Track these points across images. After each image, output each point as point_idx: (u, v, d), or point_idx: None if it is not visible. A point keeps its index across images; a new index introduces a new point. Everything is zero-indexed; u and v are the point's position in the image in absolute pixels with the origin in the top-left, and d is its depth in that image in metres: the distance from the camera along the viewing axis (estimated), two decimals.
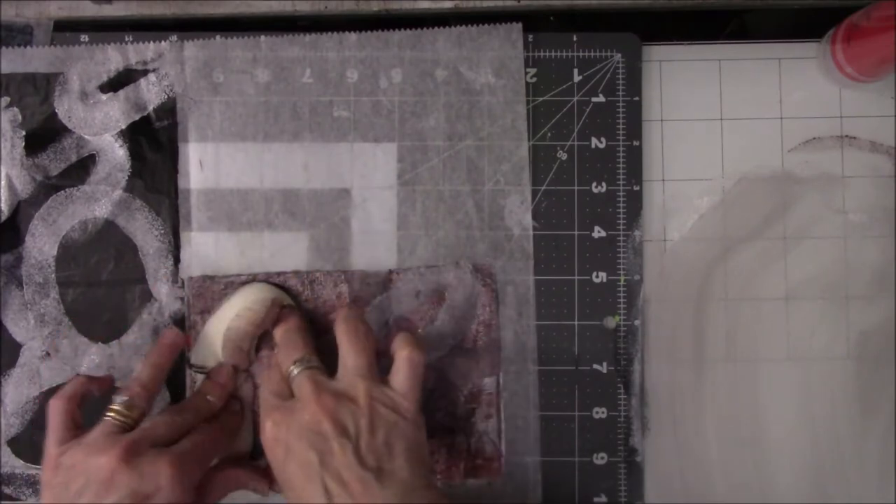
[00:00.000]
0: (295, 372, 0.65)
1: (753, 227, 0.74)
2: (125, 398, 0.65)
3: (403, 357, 0.65)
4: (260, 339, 0.72)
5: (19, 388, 0.72)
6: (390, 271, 0.72)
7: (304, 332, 0.69)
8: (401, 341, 0.66)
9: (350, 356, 0.65)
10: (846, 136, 0.74)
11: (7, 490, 0.72)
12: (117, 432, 0.63)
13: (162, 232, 0.72)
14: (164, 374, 0.68)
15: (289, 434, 0.61)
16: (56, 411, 0.64)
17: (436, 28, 0.73)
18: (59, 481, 0.61)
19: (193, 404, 0.68)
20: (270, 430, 0.63)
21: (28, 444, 0.72)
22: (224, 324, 0.69)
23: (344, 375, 0.64)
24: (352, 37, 0.73)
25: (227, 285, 0.71)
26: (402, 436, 0.62)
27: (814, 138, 0.74)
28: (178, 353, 0.70)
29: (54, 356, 0.72)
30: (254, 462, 0.72)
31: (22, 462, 0.72)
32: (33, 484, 0.72)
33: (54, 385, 0.72)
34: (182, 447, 0.63)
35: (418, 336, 0.71)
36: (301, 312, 0.71)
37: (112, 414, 0.64)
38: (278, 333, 0.70)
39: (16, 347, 0.73)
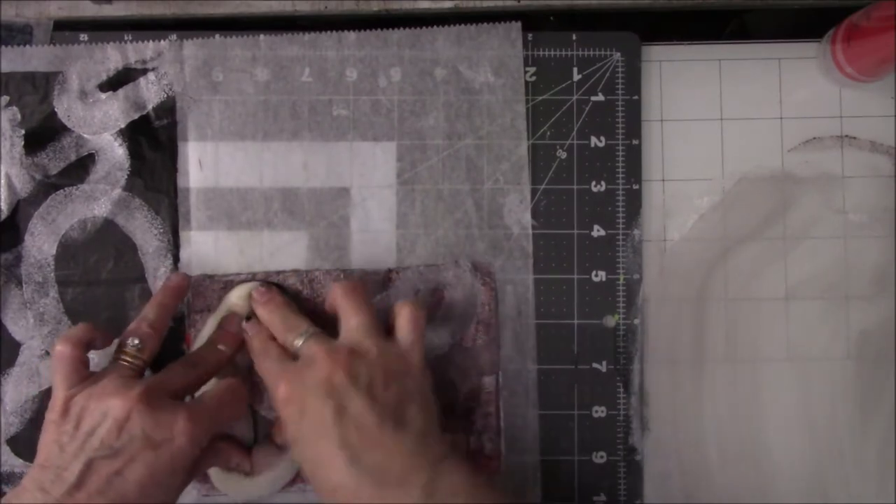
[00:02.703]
0: (300, 342, 0.65)
1: (753, 227, 0.74)
2: (136, 341, 0.65)
3: (405, 314, 0.65)
4: None
5: (18, 387, 0.72)
6: (389, 270, 0.72)
7: (293, 307, 0.69)
8: (400, 303, 0.66)
9: (353, 317, 0.65)
10: (846, 136, 0.74)
11: (6, 489, 0.72)
12: (132, 376, 0.63)
13: (161, 231, 0.72)
14: (169, 315, 0.68)
15: (304, 391, 0.61)
16: (63, 356, 0.63)
17: (435, 27, 0.73)
18: (69, 421, 0.61)
19: (207, 356, 0.68)
20: (284, 390, 0.62)
21: (28, 442, 0.72)
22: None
23: (350, 335, 0.64)
24: (351, 36, 0.73)
25: (227, 284, 0.71)
26: (413, 387, 0.63)
27: (814, 138, 0.74)
28: (183, 297, 0.70)
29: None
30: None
31: (21, 461, 0.72)
32: None
33: None
34: (200, 402, 0.64)
35: (416, 298, 0.71)
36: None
37: (125, 357, 0.64)
38: (264, 313, 0.69)
39: (15, 346, 0.73)
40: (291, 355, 0.66)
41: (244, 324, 0.69)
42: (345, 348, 0.63)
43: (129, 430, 0.59)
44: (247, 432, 0.71)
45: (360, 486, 0.59)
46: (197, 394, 0.67)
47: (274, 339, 0.67)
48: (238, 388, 0.67)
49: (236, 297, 0.70)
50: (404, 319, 0.65)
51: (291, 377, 0.63)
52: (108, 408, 0.60)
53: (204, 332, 0.70)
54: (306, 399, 0.61)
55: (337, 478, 0.59)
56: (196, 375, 0.66)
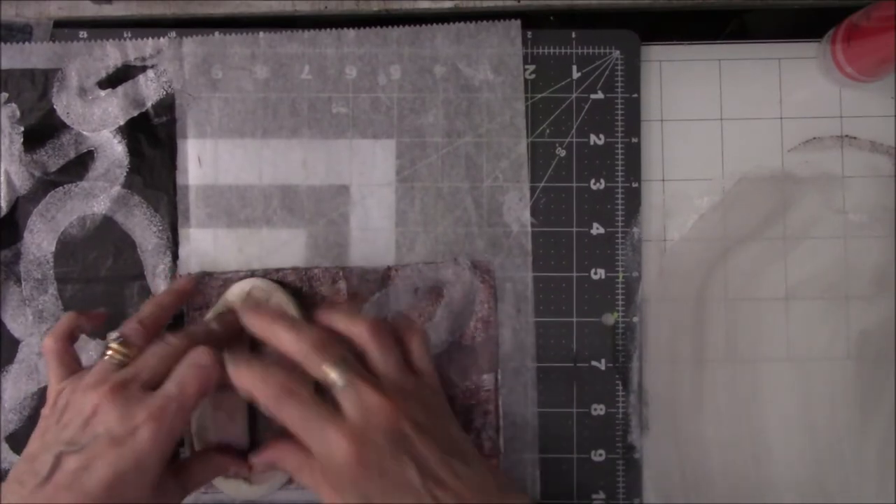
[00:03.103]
0: (340, 382, 0.59)
1: (753, 227, 0.74)
2: (116, 335, 0.62)
3: (418, 341, 0.64)
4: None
5: (18, 385, 0.72)
6: (389, 268, 0.72)
7: (329, 331, 0.63)
8: (407, 329, 0.65)
9: (387, 355, 0.62)
10: (846, 136, 0.74)
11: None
12: (114, 370, 0.60)
13: (160, 228, 0.72)
14: (166, 315, 0.67)
15: (378, 451, 0.57)
16: (49, 350, 0.63)
17: (434, 25, 0.73)
18: (54, 414, 0.60)
19: (189, 331, 0.64)
20: (353, 452, 0.57)
21: (26, 440, 0.71)
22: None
23: (389, 373, 0.61)
24: (350, 33, 0.73)
25: (226, 282, 0.71)
26: (446, 412, 0.63)
27: (814, 138, 0.74)
28: (185, 300, 0.70)
29: None
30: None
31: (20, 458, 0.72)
32: None
33: None
34: (165, 391, 0.59)
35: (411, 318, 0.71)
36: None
37: (109, 352, 0.62)
38: (282, 332, 0.61)
39: (14, 343, 0.73)
40: (322, 392, 0.60)
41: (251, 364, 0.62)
42: (397, 391, 0.60)
43: (93, 425, 0.58)
44: (242, 436, 0.70)
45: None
46: None
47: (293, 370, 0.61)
48: (202, 360, 0.61)
49: (234, 296, 0.70)
50: (419, 346, 0.64)
51: (356, 434, 0.57)
52: (82, 402, 0.59)
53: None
54: (384, 461, 0.57)
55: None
56: (172, 354, 0.61)
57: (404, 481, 0.57)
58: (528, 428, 0.72)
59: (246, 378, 0.60)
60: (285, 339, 0.61)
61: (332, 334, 0.62)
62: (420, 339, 0.64)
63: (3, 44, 0.73)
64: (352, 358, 0.61)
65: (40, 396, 0.72)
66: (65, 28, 0.74)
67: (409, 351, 0.64)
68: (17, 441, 0.73)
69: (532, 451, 0.72)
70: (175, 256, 0.73)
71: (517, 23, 0.73)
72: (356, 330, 0.63)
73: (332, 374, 0.59)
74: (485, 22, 0.73)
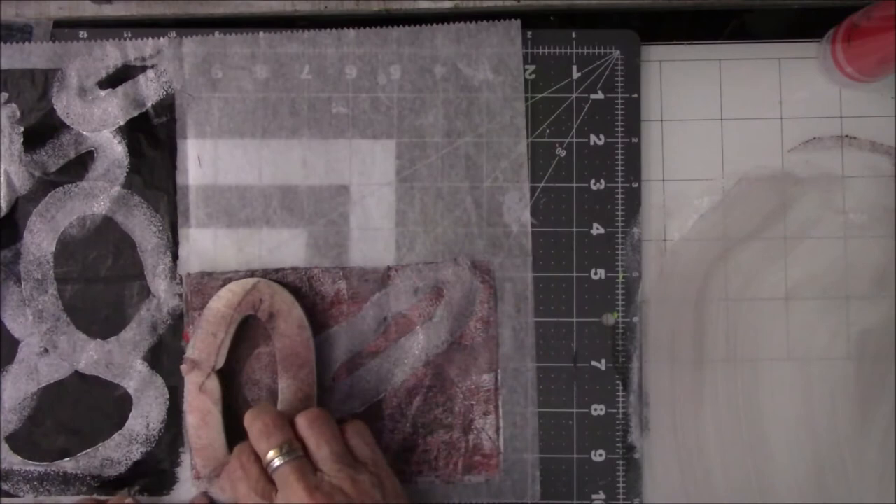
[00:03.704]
0: (277, 463, 0.63)
1: (753, 227, 0.74)
2: None
3: (350, 432, 0.66)
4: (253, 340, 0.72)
5: (17, 385, 0.72)
6: (388, 268, 0.73)
7: (280, 417, 0.67)
8: (346, 423, 0.67)
9: (322, 446, 0.64)
10: (846, 136, 0.74)
11: (5, 486, 0.72)
12: None
13: (160, 228, 0.72)
14: None
15: None
16: None
17: (434, 25, 0.73)
18: None
19: None
20: None
21: (26, 440, 0.72)
22: None
23: (323, 464, 0.64)
24: (350, 33, 0.73)
25: (225, 282, 0.71)
26: (395, 495, 0.64)
27: (814, 138, 0.74)
28: None
29: (52, 352, 0.72)
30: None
31: (20, 458, 0.72)
32: (31, 480, 0.72)
33: (52, 381, 0.72)
34: None
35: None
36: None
37: None
38: (251, 421, 0.66)
39: (14, 343, 0.73)
40: (268, 475, 0.64)
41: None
42: (325, 484, 0.62)
43: None
44: (217, 437, 0.71)
45: None
46: None
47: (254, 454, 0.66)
48: None
49: (223, 305, 0.70)
50: (354, 437, 0.66)
51: None
52: None
53: (195, 340, 0.70)
54: None
55: None
56: None
57: None
58: (528, 428, 0.72)
59: (223, 474, 0.69)
60: (247, 421, 0.66)
61: (282, 421, 0.65)
62: (354, 430, 0.67)
63: (3, 44, 0.73)
64: (297, 445, 0.64)
65: (40, 396, 0.72)
66: (65, 28, 0.74)
67: (349, 446, 0.66)
68: (17, 441, 0.73)
69: (532, 451, 0.72)
70: (175, 256, 0.73)
71: (517, 23, 0.73)
72: (297, 421, 0.66)
73: (271, 457, 0.64)
74: (485, 22, 0.73)
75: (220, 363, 0.70)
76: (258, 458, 0.65)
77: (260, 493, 0.63)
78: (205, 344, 0.70)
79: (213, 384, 0.70)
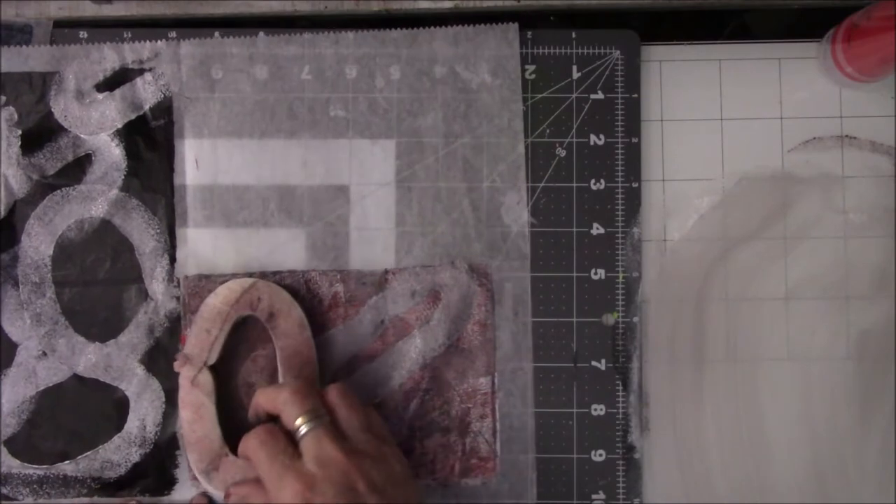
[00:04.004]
0: (306, 428, 0.62)
1: (753, 227, 0.74)
2: None
3: (369, 410, 0.67)
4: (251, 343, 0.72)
5: (16, 388, 0.72)
6: (386, 271, 0.73)
7: (308, 384, 0.66)
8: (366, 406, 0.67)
9: (353, 416, 0.64)
10: (846, 136, 0.74)
11: (5, 490, 0.72)
12: None
13: (158, 231, 0.72)
14: None
15: (325, 499, 0.60)
16: None
17: (433, 28, 0.73)
18: None
19: None
20: (301, 494, 0.60)
21: (25, 443, 0.72)
22: None
23: (353, 432, 0.64)
24: (349, 35, 0.73)
25: (222, 284, 0.71)
26: (407, 480, 0.64)
27: (814, 138, 0.74)
28: None
29: (51, 355, 0.72)
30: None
31: (19, 462, 0.72)
32: (31, 484, 0.72)
33: (51, 384, 0.72)
34: None
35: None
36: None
37: None
38: (276, 391, 0.66)
39: (12, 347, 0.73)
40: (293, 440, 0.64)
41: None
42: (360, 451, 0.62)
43: None
44: (213, 430, 0.70)
45: None
46: None
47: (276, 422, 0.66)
48: None
49: (220, 301, 0.70)
50: (372, 414, 0.67)
51: (308, 480, 0.60)
52: None
53: (191, 336, 0.70)
54: (332, 499, 0.60)
55: None
56: None
57: None
58: (526, 430, 0.72)
59: (242, 444, 0.65)
60: (270, 395, 0.66)
61: (311, 388, 0.65)
62: (373, 410, 0.67)
63: (1, 47, 0.73)
64: (324, 412, 0.64)
65: (39, 400, 0.72)
66: (65, 28, 0.74)
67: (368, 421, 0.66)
68: (16, 445, 0.72)
69: (529, 453, 0.72)
70: (173, 259, 0.72)
71: (515, 25, 0.73)
72: (329, 390, 0.66)
73: (300, 423, 0.63)
74: (483, 25, 0.73)
75: (213, 359, 0.70)
76: (280, 429, 0.64)
77: (289, 456, 0.62)
78: (198, 339, 0.70)
79: (206, 377, 0.70)
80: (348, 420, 0.64)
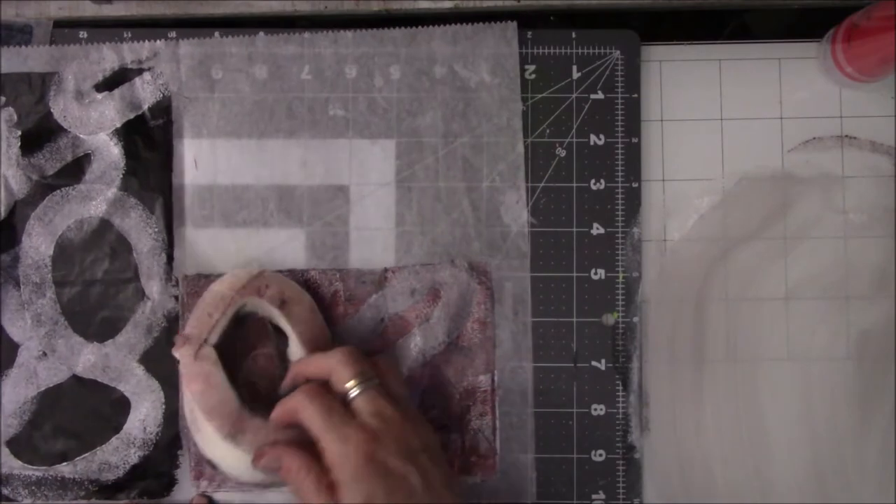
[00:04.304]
0: (359, 390, 0.63)
1: (753, 227, 0.74)
2: None
3: (394, 374, 0.67)
4: (250, 340, 0.72)
5: (17, 389, 0.72)
6: (385, 269, 0.73)
7: (358, 349, 0.66)
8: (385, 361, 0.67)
9: (401, 386, 0.66)
10: (846, 136, 0.74)
11: (5, 491, 0.72)
12: None
13: (156, 230, 0.72)
14: None
15: (389, 457, 0.60)
16: None
17: (431, 26, 0.73)
18: None
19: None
20: (368, 451, 0.60)
21: (26, 444, 0.72)
22: None
23: (398, 398, 0.64)
24: (348, 34, 0.73)
25: None
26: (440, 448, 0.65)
27: (814, 138, 0.74)
28: None
29: (51, 356, 0.72)
30: None
31: (20, 463, 0.72)
32: (30, 485, 0.72)
33: (51, 385, 0.72)
34: None
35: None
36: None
37: None
38: (327, 356, 0.66)
39: (13, 348, 0.73)
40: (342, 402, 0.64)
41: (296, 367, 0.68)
42: (410, 413, 0.63)
43: None
44: (228, 397, 0.68)
45: None
46: None
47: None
48: None
49: (226, 287, 0.69)
50: (397, 380, 0.67)
51: (371, 432, 0.61)
52: None
53: (192, 319, 0.70)
54: (391, 464, 0.60)
55: None
56: None
57: (409, 488, 0.60)
58: (526, 429, 0.72)
59: (283, 405, 0.65)
60: (318, 361, 0.66)
61: (361, 353, 0.65)
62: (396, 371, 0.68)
63: (1, 47, 0.73)
64: (374, 375, 0.64)
65: (39, 401, 0.73)
66: (65, 28, 0.74)
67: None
68: (17, 445, 0.72)
69: (529, 452, 0.72)
70: (170, 258, 0.72)
71: (513, 24, 0.73)
72: (379, 359, 0.66)
73: (353, 384, 0.63)
74: (481, 24, 0.73)
75: (213, 340, 0.69)
76: (326, 389, 0.64)
77: (339, 412, 0.62)
78: (199, 322, 0.69)
79: (208, 350, 0.68)
80: (397, 387, 0.65)
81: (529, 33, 0.74)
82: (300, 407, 0.63)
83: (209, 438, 0.68)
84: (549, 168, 0.74)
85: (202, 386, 0.68)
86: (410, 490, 0.59)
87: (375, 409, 0.62)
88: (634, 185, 0.74)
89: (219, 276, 0.71)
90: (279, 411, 0.65)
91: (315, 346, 0.70)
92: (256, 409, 0.67)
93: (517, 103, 0.73)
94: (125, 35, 0.73)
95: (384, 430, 0.61)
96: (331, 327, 0.72)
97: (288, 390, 0.66)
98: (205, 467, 0.71)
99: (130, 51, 0.73)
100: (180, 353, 0.68)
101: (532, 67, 0.74)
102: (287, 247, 0.73)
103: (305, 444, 0.62)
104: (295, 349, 0.70)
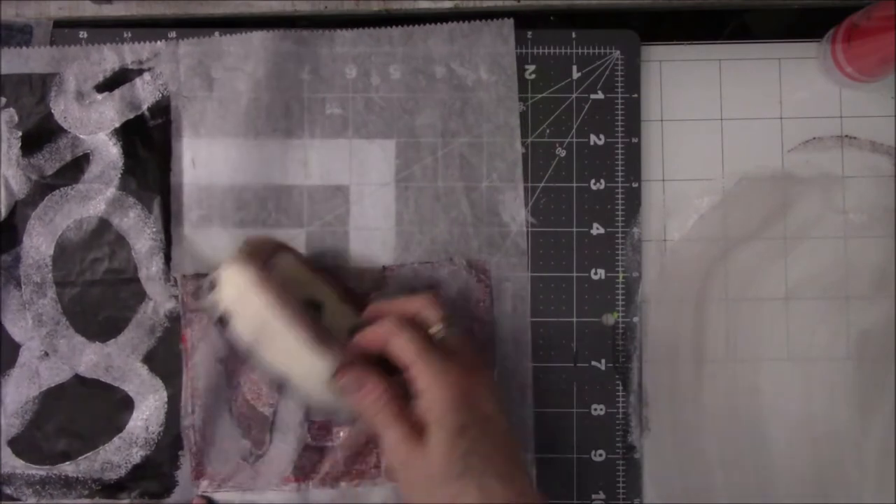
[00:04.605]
0: (444, 333, 0.63)
1: (753, 227, 0.74)
2: None
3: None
4: None
5: (19, 388, 0.72)
6: (384, 268, 0.73)
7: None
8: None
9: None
10: (846, 136, 0.74)
11: (7, 490, 0.72)
12: None
13: (154, 230, 0.72)
14: None
15: (480, 393, 0.60)
16: None
17: (428, 25, 0.74)
18: None
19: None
20: (465, 384, 0.59)
21: (28, 444, 0.73)
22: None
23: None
24: (345, 34, 0.73)
25: None
26: None
27: (814, 138, 0.74)
28: None
29: (52, 356, 0.72)
30: None
31: (22, 462, 0.72)
32: (33, 484, 0.72)
33: (53, 385, 0.73)
34: None
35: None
36: None
37: None
38: (409, 298, 0.65)
39: (15, 348, 0.73)
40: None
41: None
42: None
43: None
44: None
45: (523, 479, 0.60)
46: None
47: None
48: None
49: (225, 296, 0.64)
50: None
51: (468, 368, 0.61)
52: None
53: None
54: (482, 400, 0.60)
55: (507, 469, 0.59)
56: None
57: (498, 434, 0.59)
58: (526, 428, 0.72)
59: (373, 329, 0.63)
60: (402, 301, 0.65)
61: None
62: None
63: (1, 48, 0.73)
64: (457, 321, 0.64)
65: (41, 400, 0.73)
66: (65, 28, 0.74)
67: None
68: (19, 445, 0.73)
69: (529, 452, 0.72)
70: (168, 258, 0.73)
71: (510, 22, 0.73)
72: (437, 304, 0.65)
73: (440, 327, 0.63)
74: (477, 22, 0.73)
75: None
76: (415, 325, 0.63)
77: (433, 345, 0.61)
78: (252, 258, 0.64)
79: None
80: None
81: (529, 33, 0.74)
82: (391, 334, 0.61)
83: (288, 348, 0.62)
84: (548, 168, 0.74)
85: (279, 290, 0.62)
86: (499, 436, 0.59)
87: (468, 352, 0.62)
88: (634, 185, 0.74)
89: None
90: (364, 337, 0.63)
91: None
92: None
93: (515, 102, 0.73)
94: (125, 35, 0.73)
95: (477, 373, 0.61)
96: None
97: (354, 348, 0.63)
98: (206, 467, 0.71)
99: (131, 51, 0.73)
100: (236, 268, 0.63)
101: (532, 67, 0.74)
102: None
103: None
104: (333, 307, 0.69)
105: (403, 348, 0.60)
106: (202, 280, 0.71)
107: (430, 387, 0.59)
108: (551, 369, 0.73)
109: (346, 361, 0.61)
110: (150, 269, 0.72)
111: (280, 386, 0.67)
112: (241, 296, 0.62)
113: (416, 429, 0.58)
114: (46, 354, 0.72)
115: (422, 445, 0.58)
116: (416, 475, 0.58)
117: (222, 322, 0.62)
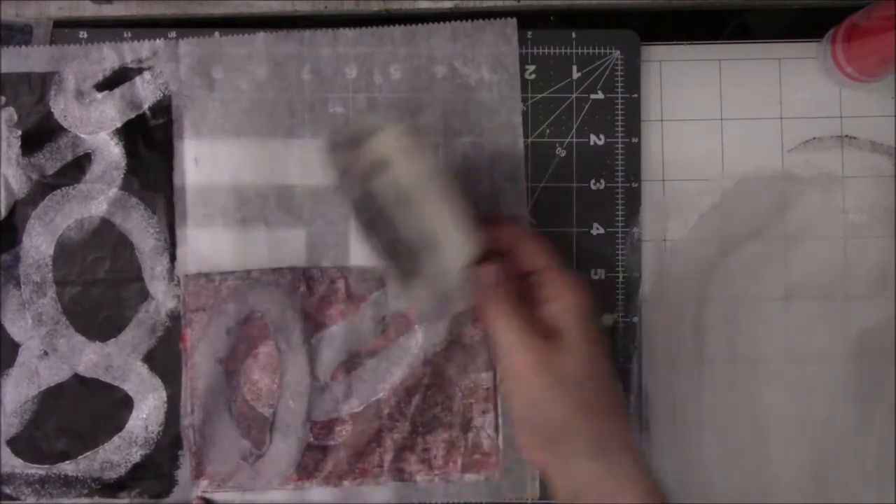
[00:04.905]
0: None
1: (753, 227, 0.74)
2: None
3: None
4: None
5: (18, 388, 0.72)
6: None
7: None
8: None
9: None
10: (846, 136, 0.74)
11: (7, 490, 0.72)
12: None
13: (157, 230, 0.72)
14: None
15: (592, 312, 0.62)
16: None
17: (431, 24, 0.73)
18: None
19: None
20: (588, 294, 0.61)
21: (27, 443, 0.72)
22: None
23: None
24: (347, 33, 0.73)
25: (222, 282, 0.71)
26: None
27: (814, 138, 0.74)
28: None
29: (52, 355, 0.72)
30: None
31: (21, 461, 0.72)
32: (33, 483, 0.72)
33: (53, 384, 0.72)
34: None
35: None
36: None
37: None
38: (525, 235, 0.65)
39: (14, 347, 0.73)
40: None
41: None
42: None
43: None
44: None
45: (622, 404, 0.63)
46: None
47: None
48: None
49: (385, 146, 0.61)
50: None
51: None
52: None
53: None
54: (592, 320, 0.61)
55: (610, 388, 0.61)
56: None
57: (607, 361, 0.62)
58: None
59: (506, 229, 0.64)
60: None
61: None
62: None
63: (1, 47, 0.73)
64: None
65: (41, 399, 0.73)
66: (65, 28, 0.74)
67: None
68: (18, 444, 0.73)
69: None
70: (172, 257, 0.72)
71: (513, 21, 0.73)
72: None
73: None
74: (480, 21, 0.73)
75: None
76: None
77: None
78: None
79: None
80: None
81: (529, 33, 0.74)
82: (525, 236, 0.64)
83: (438, 216, 0.60)
84: (548, 168, 0.74)
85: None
86: (602, 359, 0.61)
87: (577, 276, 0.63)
88: (634, 185, 0.74)
89: (219, 274, 0.72)
90: (496, 233, 0.63)
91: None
92: None
93: (517, 101, 0.73)
94: (125, 35, 0.73)
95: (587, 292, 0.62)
96: (332, 325, 0.72)
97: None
98: (205, 466, 0.72)
99: (130, 50, 0.73)
100: (401, 126, 0.61)
101: (532, 67, 0.74)
102: (288, 245, 0.73)
103: None
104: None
105: (536, 251, 0.62)
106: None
107: (566, 293, 0.61)
108: None
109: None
110: (154, 269, 0.72)
111: (402, 259, 0.62)
112: (403, 151, 0.61)
113: (545, 331, 0.60)
114: (46, 354, 0.72)
115: (556, 346, 0.59)
116: (545, 375, 0.59)
117: (373, 169, 0.61)
